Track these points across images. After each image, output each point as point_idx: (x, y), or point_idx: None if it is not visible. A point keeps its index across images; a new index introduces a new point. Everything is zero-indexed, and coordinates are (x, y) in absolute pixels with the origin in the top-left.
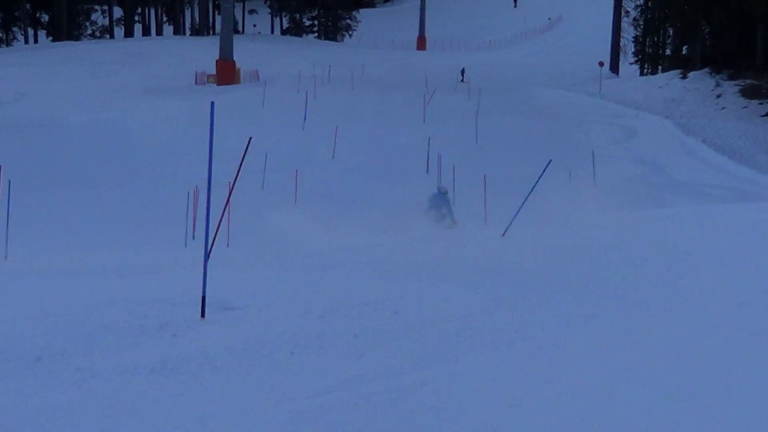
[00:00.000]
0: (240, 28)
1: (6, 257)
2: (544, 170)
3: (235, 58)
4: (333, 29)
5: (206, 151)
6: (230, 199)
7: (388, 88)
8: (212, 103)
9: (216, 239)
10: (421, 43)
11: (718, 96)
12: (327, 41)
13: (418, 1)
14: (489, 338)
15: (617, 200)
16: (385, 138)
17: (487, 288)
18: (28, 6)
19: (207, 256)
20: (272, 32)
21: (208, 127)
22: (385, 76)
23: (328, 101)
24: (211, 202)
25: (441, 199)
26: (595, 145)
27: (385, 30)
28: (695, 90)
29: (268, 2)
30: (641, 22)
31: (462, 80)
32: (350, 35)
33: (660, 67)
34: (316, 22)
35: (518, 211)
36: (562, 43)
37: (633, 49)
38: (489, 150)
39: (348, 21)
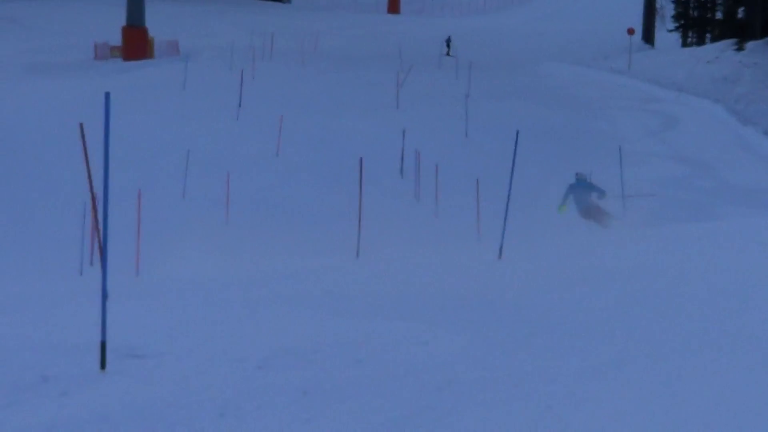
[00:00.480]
0: None
1: None
2: (515, 148)
3: (147, 25)
4: None
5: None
6: (140, 212)
7: (349, 65)
8: (107, 95)
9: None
10: (394, 5)
11: None
12: (269, 2)
13: None
14: (480, 395)
15: (652, 211)
16: (346, 130)
17: (477, 328)
18: None
19: (105, 289)
20: None
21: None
22: (346, 49)
23: (271, 82)
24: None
25: (585, 188)
26: (623, 138)
27: None
28: (755, 66)
29: None
30: None
31: (447, 53)
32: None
33: (708, 36)
34: None
35: (505, 221)
36: (578, 5)
37: (673, 12)
38: (483, 146)
39: None
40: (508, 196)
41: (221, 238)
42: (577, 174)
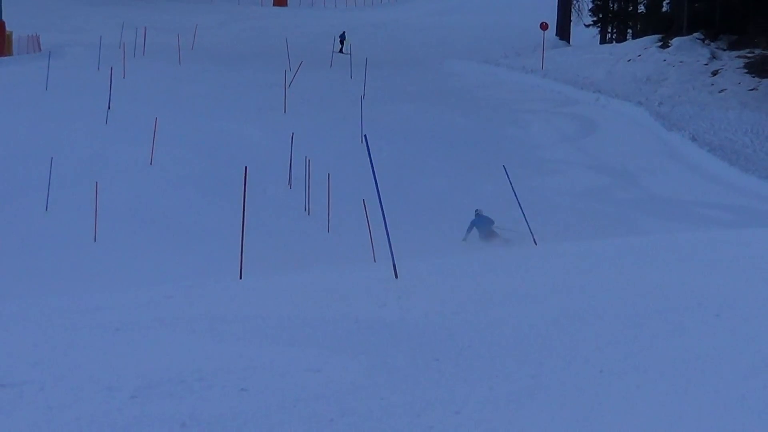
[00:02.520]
0: None
1: None
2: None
3: (4, 18)
4: None
5: None
6: None
7: (231, 62)
8: None
9: None
10: None
11: (714, 73)
12: None
13: None
14: (377, 427)
15: (568, 225)
16: (228, 136)
17: (374, 354)
18: None
19: None
20: None
21: None
22: (228, 45)
23: (144, 82)
24: None
25: (485, 221)
26: (536, 144)
27: None
28: (681, 65)
29: None
30: None
31: (341, 50)
32: None
33: (630, 32)
34: None
35: (388, 237)
36: None
37: (590, 5)
38: (380, 153)
39: None
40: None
41: (89, 257)
42: (476, 210)
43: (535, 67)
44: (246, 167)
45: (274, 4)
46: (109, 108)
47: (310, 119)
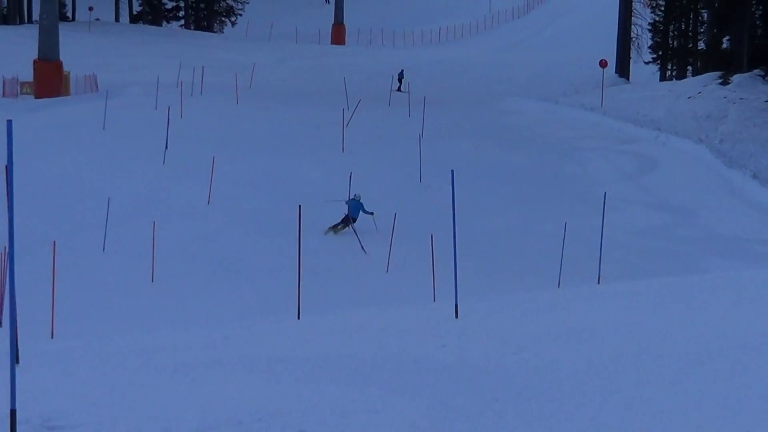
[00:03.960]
0: (69, 13)
1: None
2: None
3: (62, 58)
4: (207, 14)
5: (16, 197)
6: (55, 268)
7: (289, 101)
8: (9, 122)
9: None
10: (338, 35)
11: None
12: (199, 32)
13: None
14: None
15: (628, 264)
16: (285, 174)
17: (434, 394)
18: None
19: (14, 352)
20: (117, 19)
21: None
22: (286, 83)
23: (202, 121)
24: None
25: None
26: (596, 182)
27: (283, 15)
28: (741, 101)
29: None
30: (662, 1)
31: (399, 88)
32: (233, 23)
33: (690, 68)
34: (182, 4)
35: (456, 277)
36: (546, 33)
37: (650, 42)
38: (439, 192)
39: (229, 1)
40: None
41: (146, 297)
42: (355, 195)
43: (594, 105)
44: (300, 205)
45: (331, 43)
46: (166, 148)
47: (368, 158)
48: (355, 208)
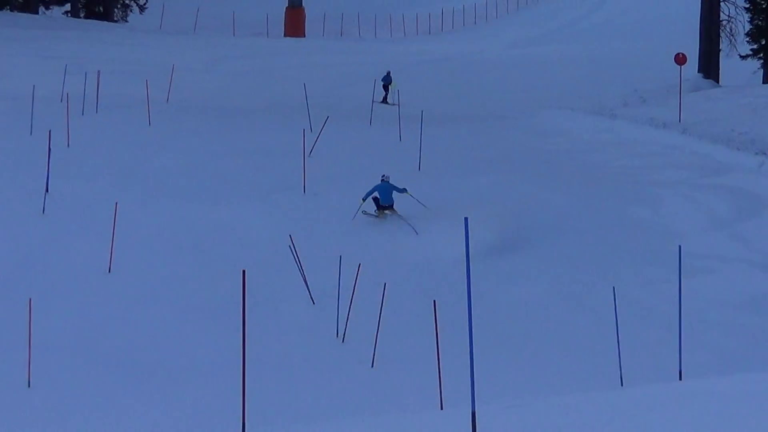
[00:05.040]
0: None
1: None
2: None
3: None
4: None
5: None
6: None
7: (224, 120)
8: None
9: None
10: (295, 22)
11: None
12: (92, 21)
13: None
14: None
15: (722, 349)
16: (219, 227)
17: None
18: None
19: None
20: None
21: None
22: (219, 95)
23: (97, 151)
24: None
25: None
26: (674, 231)
27: None
28: None
29: None
30: None
31: (385, 99)
32: (142, 8)
33: None
34: None
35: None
36: (595, 18)
37: (748, 27)
38: (445, 248)
39: None
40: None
41: (20, 406)
42: (383, 176)
43: (669, 120)
44: (244, 270)
45: (285, 34)
46: (47, 191)
47: (341, 202)
48: (385, 192)
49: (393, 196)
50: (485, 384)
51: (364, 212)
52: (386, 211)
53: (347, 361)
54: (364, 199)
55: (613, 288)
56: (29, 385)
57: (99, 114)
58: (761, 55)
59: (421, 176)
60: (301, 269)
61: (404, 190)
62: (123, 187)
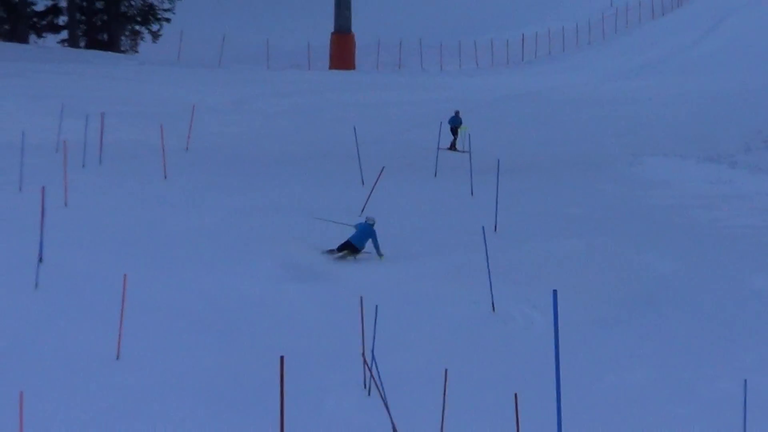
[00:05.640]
0: None
1: None
2: None
3: None
4: (108, 21)
5: None
6: None
7: (255, 172)
8: None
9: None
10: (343, 52)
11: None
12: (95, 51)
13: None
14: None
15: None
16: (250, 304)
17: None
18: None
19: None
20: None
21: None
22: (248, 141)
23: (101, 211)
24: None
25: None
26: None
27: (245, 20)
28: None
29: None
30: None
31: (453, 144)
32: (155, 35)
33: None
34: (63, 3)
35: None
36: (707, 46)
37: None
38: (531, 328)
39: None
40: None
41: None
42: (367, 218)
43: None
44: (282, 357)
45: (331, 66)
46: (40, 261)
47: (398, 269)
48: (362, 234)
49: (366, 244)
50: None
51: (328, 251)
52: (348, 253)
53: None
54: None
55: (745, 381)
56: None
57: (103, 166)
58: None
59: (498, 239)
60: (367, 351)
61: (380, 255)
62: (133, 256)
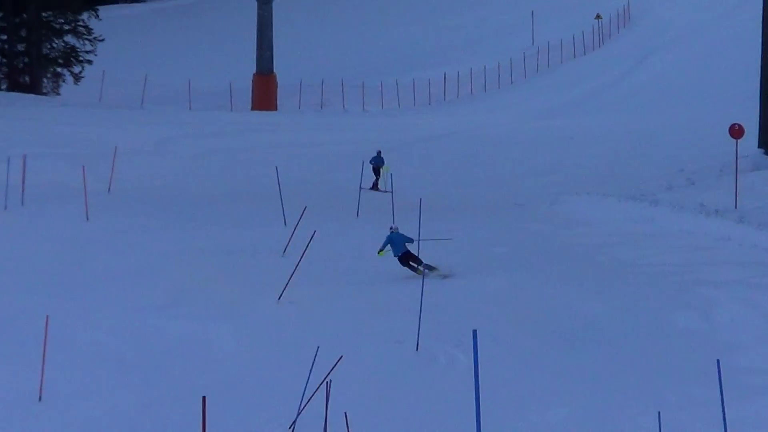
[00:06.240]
0: None
1: None
2: None
3: None
4: (30, 62)
5: None
6: None
7: (179, 214)
8: None
9: None
10: (265, 92)
11: None
12: (15, 94)
13: None
14: None
15: None
16: (176, 345)
17: None
18: None
19: None
20: None
21: None
22: (172, 182)
23: (21, 254)
24: None
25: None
26: (728, 343)
27: (165, 61)
28: None
29: None
30: None
31: (375, 184)
32: (77, 77)
33: None
34: None
35: None
36: (629, 84)
37: None
38: (452, 367)
39: (71, 39)
40: None
41: None
42: (391, 227)
43: (723, 206)
44: (204, 397)
45: (253, 108)
46: None
47: (324, 307)
48: (398, 243)
49: (403, 248)
50: None
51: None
52: (416, 265)
53: None
54: (381, 251)
55: (659, 413)
56: None
57: (25, 207)
58: None
59: (420, 279)
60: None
61: (412, 240)
62: (55, 297)
